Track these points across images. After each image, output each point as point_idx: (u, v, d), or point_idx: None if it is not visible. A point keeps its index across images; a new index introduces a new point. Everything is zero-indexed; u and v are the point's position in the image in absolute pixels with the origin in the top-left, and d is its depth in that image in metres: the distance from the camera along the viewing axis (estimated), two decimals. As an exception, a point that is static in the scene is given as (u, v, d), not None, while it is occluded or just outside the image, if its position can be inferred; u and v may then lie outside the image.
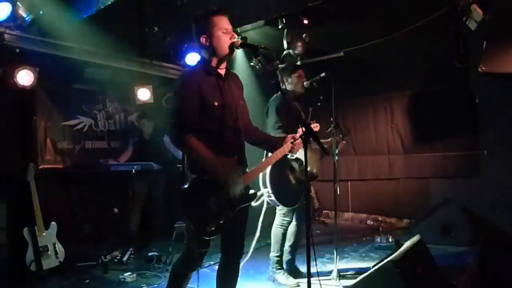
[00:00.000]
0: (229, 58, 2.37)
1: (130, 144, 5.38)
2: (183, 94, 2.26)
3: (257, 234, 4.93)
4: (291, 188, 3.41)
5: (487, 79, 4.40)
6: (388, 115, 5.70)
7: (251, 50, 2.32)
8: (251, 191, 2.37)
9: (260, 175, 3.18)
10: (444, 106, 5.11)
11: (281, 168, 3.32)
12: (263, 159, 2.76)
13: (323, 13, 4.79)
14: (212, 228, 2.18)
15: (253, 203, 3.73)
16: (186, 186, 2.22)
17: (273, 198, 3.30)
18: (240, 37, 2.31)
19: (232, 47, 2.31)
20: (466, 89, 4.88)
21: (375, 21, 4.83)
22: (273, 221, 3.72)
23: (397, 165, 5.70)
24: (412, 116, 5.50)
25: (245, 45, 2.35)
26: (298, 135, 2.51)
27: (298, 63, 5.24)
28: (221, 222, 2.21)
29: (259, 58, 2.31)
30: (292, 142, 2.52)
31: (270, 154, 2.67)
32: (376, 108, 5.82)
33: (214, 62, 2.35)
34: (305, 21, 4.95)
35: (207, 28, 2.28)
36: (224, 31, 2.29)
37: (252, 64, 5.48)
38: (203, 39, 2.30)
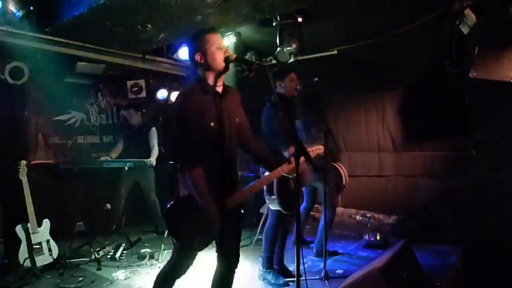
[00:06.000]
0: (224, 73, 2.39)
1: (120, 139, 5.41)
2: (184, 120, 2.26)
3: (256, 237, 5.05)
4: (292, 194, 3.46)
5: (478, 82, 4.46)
6: (380, 113, 5.75)
7: (245, 64, 2.35)
8: (242, 211, 2.44)
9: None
10: (435, 107, 5.15)
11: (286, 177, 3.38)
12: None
13: (317, 11, 4.76)
14: (198, 243, 2.24)
15: (261, 210, 3.83)
16: (172, 202, 2.27)
17: (277, 204, 3.36)
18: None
19: (227, 61, 2.33)
20: (457, 90, 4.91)
21: (369, 21, 4.81)
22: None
23: (387, 163, 5.79)
24: (403, 115, 5.54)
25: (240, 59, 2.38)
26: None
27: (291, 60, 5.24)
28: (207, 238, 2.26)
29: (253, 73, 2.34)
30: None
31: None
32: (368, 106, 5.86)
33: (210, 79, 2.36)
34: (299, 19, 4.91)
35: (201, 45, 2.32)
36: (217, 47, 2.32)
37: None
38: (198, 57, 2.33)
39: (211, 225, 2.21)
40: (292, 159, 2.57)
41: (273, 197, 3.34)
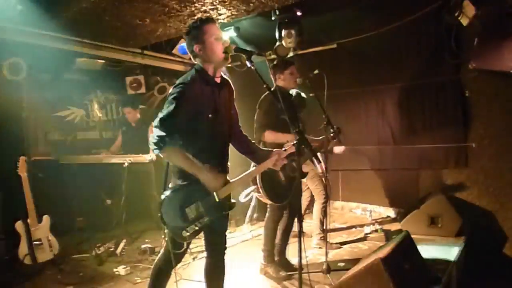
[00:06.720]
0: (224, 65, 2.37)
1: (119, 134, 5.40)
2: (180, 101, 2.22)
3: (245, 227, 5.06)
4: (281, 185, 3.42)
5: (478, 73, 4.45)
6: (379, 106, 5.71)
7: (245, 55, 2.33)
8: (232, 200, 2.43)
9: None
10: (435, 99, 5.13)
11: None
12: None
13: (317, 4, 4.75)
14: (188, 234, 2.24)
15: (242, 199, 3.82)
16: (167, 193, 2.26)
17: (262, 194, 3.34)
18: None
19: (226, 51, 2.32)
20: (457, 82, 4.89)
21: (369, 14, 4.80)
22: (263, 214, 3.82)
23: (387, 156, 5.74)
24: (403, 108, 5.51)
25: (239, 50, 2.35)
26: (287, 147, 2.54)
27: (291, 54, 5.22)
28: (196, 228, 2.26)
29: (253, 63, 2.32)
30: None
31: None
32: (368, 100, 5.81)
33: (210, 71, 2.35)
34: (298, 13, 4.90)
35: (199, 36, 2.29)
36: (216, 37, 2.30)
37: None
38: (196, 48, 2.31)
39: (209, 187, 2.23)
40: (280, 151, 2.56)
41: (256, 186, 3.33)
